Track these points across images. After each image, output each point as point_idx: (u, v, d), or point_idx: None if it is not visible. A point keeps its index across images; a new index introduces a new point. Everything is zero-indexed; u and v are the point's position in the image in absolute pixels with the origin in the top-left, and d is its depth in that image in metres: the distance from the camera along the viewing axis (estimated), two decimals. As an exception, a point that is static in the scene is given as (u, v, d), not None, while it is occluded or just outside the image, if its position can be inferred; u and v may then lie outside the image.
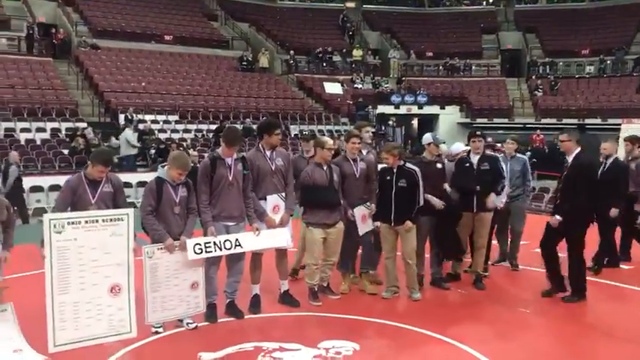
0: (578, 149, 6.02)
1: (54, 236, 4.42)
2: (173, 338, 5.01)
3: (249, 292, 5.70)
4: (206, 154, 15.95)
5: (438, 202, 6.21)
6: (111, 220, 4.63)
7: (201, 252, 5.04)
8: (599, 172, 7.16)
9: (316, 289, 5.97)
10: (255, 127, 19.83)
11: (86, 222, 4.53)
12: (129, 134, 16.51)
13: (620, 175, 7.20)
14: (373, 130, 7.26)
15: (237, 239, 5.23)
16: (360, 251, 6.54)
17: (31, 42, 22.21)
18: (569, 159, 6.03)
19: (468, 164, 6.53)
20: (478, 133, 6.70)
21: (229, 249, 5.18)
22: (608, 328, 5.36)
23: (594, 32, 28.89)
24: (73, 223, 4.48)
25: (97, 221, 4.57)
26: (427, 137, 6.70)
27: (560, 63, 28.20)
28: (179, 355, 4.65)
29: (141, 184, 14.44)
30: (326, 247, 5.96)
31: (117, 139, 16.77)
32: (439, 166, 6.51)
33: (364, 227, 6.19)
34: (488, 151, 7.04)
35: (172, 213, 5.00)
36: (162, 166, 5.04)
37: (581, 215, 5.95)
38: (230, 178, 5.27)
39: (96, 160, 4.88)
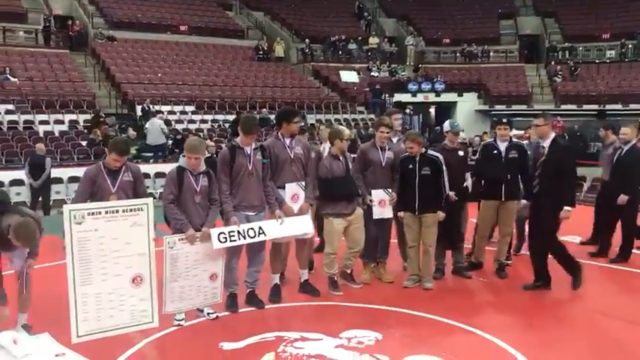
0: (554, 134, 5.91)
1: (74, 227, 4.41)
2: (194, 328, 5.01)
3: (270, 282, 5.69)
4: (223, 145, 16.00)
5: (451, 195, 6.13)
6: (131, 210, 4.61)
7: (226, 241, 5.03)
8: (615, 158, 7.09)
9: (336, 279, 5.94)
10: (271, 116, 19.90)
11: (106, 212, 4.52)
12: (160, 122, 16.60)
13: (636, 163, 6.95)
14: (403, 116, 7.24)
15: (260, 227, 5.20)
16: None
17: (48, 35, 22.38)
18: (546, 144, 5.84)
19: (495, 151, 6.42)
20: (504, 120, 6.59)
21: (253, 237, 5.16)
22: (631, 316, 5.27)
23: (615, 16, 28.30)
24: (93, 213, 4.47)
25: (117, 211, 4.56)
26: (446, 125, 6.67)
27: (580, 48, 27.71)
28: (201, 345, 4.65)
29: (159, 175, 14.52)
30: (348, 236, 5.92)
31: (144, 128, 16.86)
32: (461, 153, 6.46)
33: (381, 212, 6.10)
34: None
35: (193, 202, 4.98)
36: (183, 156, 5.01)
37: (557, 201, 5.73)
38: (250, 168, 5.25)
39: (112, 148, 4.87)
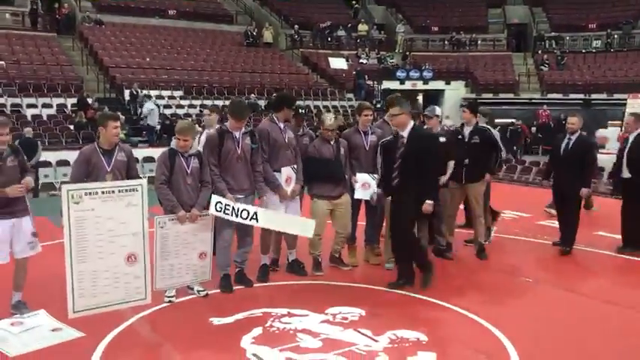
0: (412, 123, 5.59)
1: (72, 207, 4.55)
2: (185, 305, 5.20)
3: (258, 262, 5.88)
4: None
5: (443, 178, 6.32)
6: (126, 190, 4.75)
7: (221, 211, 5.17)
8: (562, 150, 6.84)
9: (320, 260, 6.13)
10: (260, 102, 19.99)
11: (103, 192, 4.66)
12: (154, 106, 16.82)
13: (587, 153, 6.82)
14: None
15: (255, 212, 5.27)
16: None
17: (35, 17, 22.21)
18: (404, 134, 5.51)
19: (460, 136, 6.71)
20: (464, 104, 6.84)
21: (245, 219, 5.26)
22: (609, 296, 5.54)
23: (602, 6, 28.67)
24: (90, 193, 4.61)
25: (113, 192, 4.70)
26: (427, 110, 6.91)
27: (567, 37, 28.05)
28: (191, 320, 4.83)
29: (146, 159, 14.62)
30: (335, 220, 6.11)
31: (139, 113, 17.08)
32: (442, 139, 6.55)
33: (361, 194, 6.23)
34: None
35: (185, 183, 5.13)
36: (176, 138, 5.16)
37: (418, 195, 5.44)
38: (238, 152, 5.38)
39: (107, 118, 5.00)
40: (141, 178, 5.07)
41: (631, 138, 7.09)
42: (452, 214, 6.86)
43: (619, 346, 4.42)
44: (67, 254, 4.61)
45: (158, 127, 17.17)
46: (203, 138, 6.08)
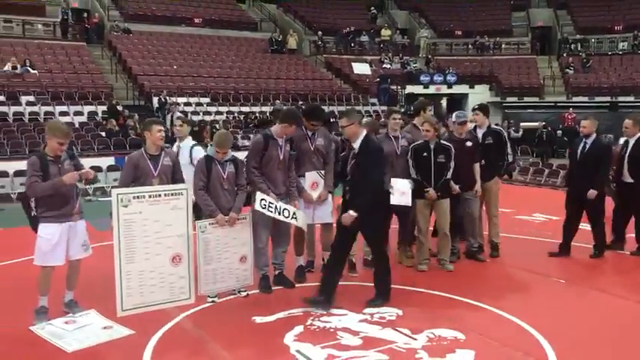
0: (364, 132, 5.24)
1: (121, 210, 4.79)
2: (227, 304, 5.37)
3: (294, 264, 6.04)
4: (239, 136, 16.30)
5: (455, 187, 6.37)
6: (172, 194, 4.98)
7: (265, 208, 5.37)
8: (579, 153, 6.78)
9: (354, 261, 6.25)
10: (284, 107, 20.23)
11: (150, 196, 4.89)
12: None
13: (602, 156, 6.75)
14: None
15: (294, 212, 5.50)
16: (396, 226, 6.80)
17: (65, 27, 22.81)
18: (356, 145, 5.18)
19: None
20: (476, 107, 7.01)
21: (286, 217, 5.49)
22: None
23: (628, 7, 28.33)
24: (138, 197, 4.85)
25: (159, 195, 4.93)
26: (453, 116, 7.06)
27: (593, 40, 27.81)
28: (234, 319, 5.00)
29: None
30: None
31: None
32: (469, 144, 6.60)
33: (398, 199, 6.33)
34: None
35: (222, 189, 5.31)
36: (212, 145, 5.35)
37: (375, 207, 5.19)
38: (281, 158, 5.55)
39: (151, 123, 5.26)
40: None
41: (631, 142, 7.09)
42: (478, 215, 6.94)
43: (656, 346, 4.48)
44: (115, 255, 4.86)
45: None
46: (175, 149, 6.29)
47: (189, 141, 6.48)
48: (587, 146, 6.78)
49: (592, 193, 6.66)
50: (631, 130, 7.12)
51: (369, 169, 5.12)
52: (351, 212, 5.06)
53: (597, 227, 6.92)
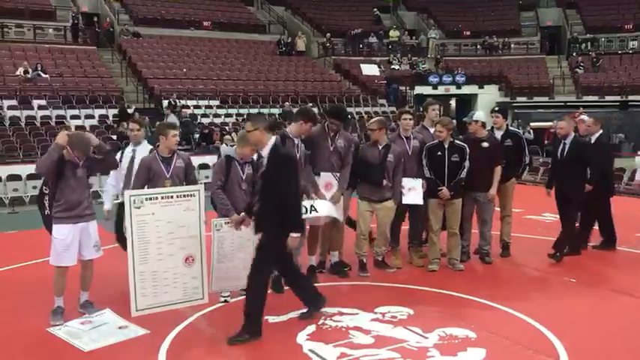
0: (273, 140, 4.68)
1: (134, 211, 4.86)
2: (240, 304, 5.31)
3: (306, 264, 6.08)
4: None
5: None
6: (184, 195, 5.04)
7: (306, 212, 5.33)
8: (559, 153, 6.77)
9: (365, 261, 6.29)
10: (294, 110, 20.28)
11: (162, 198, 4.96)
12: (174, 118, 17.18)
13: (584, 153, 6.74)
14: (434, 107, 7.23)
15: (312, 204, 5.45)
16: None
17: (76, 31, 22.99)
18: (264, 153, 4.67)
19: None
20: (496, 109, 7.08)
21: (306, 213, 5.40)
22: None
23: (638, 6, 28.10)
24: (150, 199, 4.92)
25: (172, 197, 5.00)
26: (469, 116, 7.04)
27: (603, 39, 27.64)
28: (247, 319, 5.04)
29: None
30: (377, 224, 6.28)
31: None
32: (485, 145, 6.57)
33: (411, 198, 6.35)
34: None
35: (240, 189, 5.37)
36: (232, 146, 5.41)
37: (279, 225, 4.59)
38: (297, 156, 5.58)
39: (167, 127, 5.34)
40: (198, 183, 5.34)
41: (593, 139, 7.14)
42: (509, 212, 6.99)
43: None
44: (129, 256, 4.92)
45: (197, 135, 17.59)
46: (129, 152, 5.88)
47: (146, 146, 5.85)
48: (567, 147, 6.76)
49: (587, 187, 6.69)
50: (592, 129, 7.20)
51: (281, 182, 4.53)
52: (292, 234, 4.58)
53: (565, 228, 6.85)
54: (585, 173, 6.77)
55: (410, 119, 6.49)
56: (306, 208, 5.43)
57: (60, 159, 4.81)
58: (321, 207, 5.53)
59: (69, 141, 4.81)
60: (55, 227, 4.88)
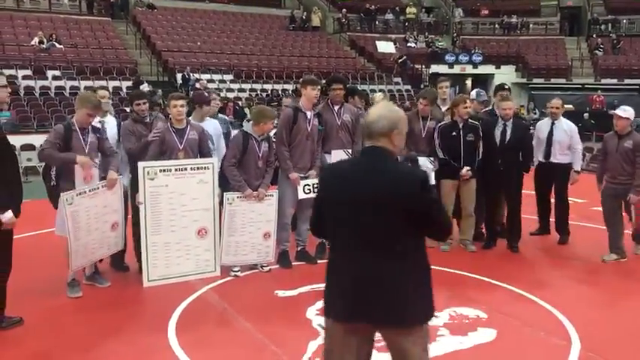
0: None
1: (147, 182, 4.86)
2: (250, 278, 5.45)
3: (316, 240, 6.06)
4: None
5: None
6: (198, 168, 5.03)
7: (310, 192, 5.42)
8: (499, 136, 6.24)
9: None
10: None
11: (176, 170, 4.94)
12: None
13: (526, 136, 6.53)
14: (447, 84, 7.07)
15: (314, 183, 5.47)
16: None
17: (90, 2, 22.89)
18: None
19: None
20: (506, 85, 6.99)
21: (308, 193, 5.52)
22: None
23: (662, -13, 27.45)
24: (164, 170, 4.90)
25: (185, 169, 4.98)
26: (472, 94, 7.03)
27: (624, 20, 27.05)
28: (257, 292, 5.08)
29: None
30: None
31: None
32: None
33: None
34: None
35: (255, 166, 5.33)
36: (248, 121, 5.36)
37: None
38: (309, 131, 5.56)
39: (169, 98, 5.26)
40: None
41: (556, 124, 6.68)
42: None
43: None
44: (142, 227, 4.93)
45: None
46: (111, 121, 5.64)
47: (112, 119, 5.70)
48: (508, 129, 6.27)
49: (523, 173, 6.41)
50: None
51: None
52: None
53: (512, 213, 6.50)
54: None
55: (425, 105, 6.37)
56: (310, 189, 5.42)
57: (67, 132, 4.71)
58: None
59: (81, 99, 4.74)
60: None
